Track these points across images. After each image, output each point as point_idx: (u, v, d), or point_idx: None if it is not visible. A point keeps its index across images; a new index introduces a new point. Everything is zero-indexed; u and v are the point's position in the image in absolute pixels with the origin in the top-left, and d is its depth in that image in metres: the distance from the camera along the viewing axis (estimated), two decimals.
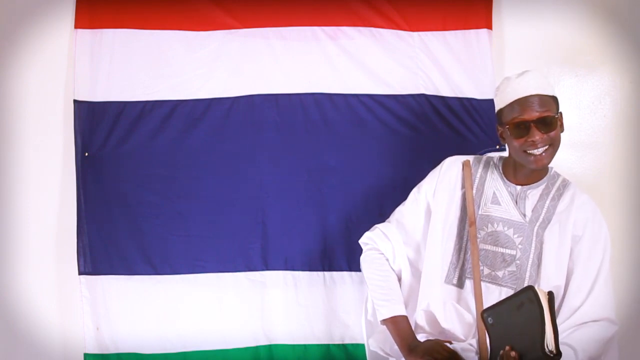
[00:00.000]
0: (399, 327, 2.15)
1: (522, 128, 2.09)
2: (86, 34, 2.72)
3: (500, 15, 2.75)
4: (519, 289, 1.93)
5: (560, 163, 2.22)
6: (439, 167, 2.30)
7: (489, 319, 1.87)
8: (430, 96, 2.72)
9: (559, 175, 2.22)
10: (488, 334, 1.90)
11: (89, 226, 2.71)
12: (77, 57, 2.72)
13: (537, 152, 2.09)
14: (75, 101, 2.72)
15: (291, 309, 2.74)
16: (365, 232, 2.34)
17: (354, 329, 2.70)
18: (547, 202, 2.16)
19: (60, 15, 2.75)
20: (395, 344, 2.16)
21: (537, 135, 2.07)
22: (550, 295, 1.78)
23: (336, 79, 2.73)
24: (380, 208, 2.61)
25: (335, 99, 2.73)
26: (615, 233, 2.21)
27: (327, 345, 2.75)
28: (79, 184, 2.71)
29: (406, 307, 2.20)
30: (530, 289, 1.79)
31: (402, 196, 2.36)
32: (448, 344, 2.08)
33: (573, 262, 2.10)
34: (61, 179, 2.77)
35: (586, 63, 2.76)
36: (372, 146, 2.72)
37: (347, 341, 2.74)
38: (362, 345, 2.48)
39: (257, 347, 2.74)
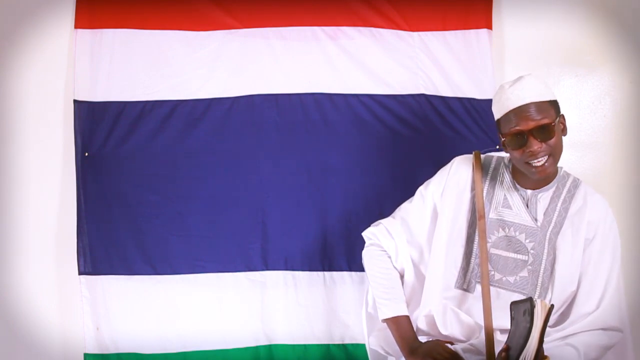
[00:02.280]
0: (401, 327, 2.13)
1: (520, 138, 2.01)
2: (86, 34, 2.72)
3: (500, 15, 2.75)
4: (529, 296, 1.93)
5: (560, 163, 2.21)
6: (448, 166, 2.23)
7: (512, 312, 1.86)
8: (430, 96, 2.72)
9: (569, 175, 2.16)
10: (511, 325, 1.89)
11: (89, 226, 2.71)
12: (77, 57, 2.72)
13: (538, 163, 2.01)
14: (75, 101, 2.72)
15: (291, 309, 2.74)
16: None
17: (354, 329, 2.71)
18: (559, 205, 2.11)
19: (60, 15, 2.75)
20: (395, 344, 2.14)
21: (535, 145, 2.00)
22: (550, 310, 1.78)
23: (336, 79, 2.73)
24: (380, 208, 2.61)
25: (335, 99, 2.73)
26: None
27: (327, 345, 2.74)
28: (79, 184, 2.71)
29: (408, 307, 2.17)
30: (529, 301, 1.79)
31: (402, 196, 2.35)
32: (449, 345, 2.08)
33: (583, 267, 2.06)
34: (61, 179, 2.77)
35: (586, 63, 2.76)
36: (372, 146, 2.72)
37: (347, 341, 2.74)
38: (362, 345, 2.48)
39: (257, 347, 2.74)
